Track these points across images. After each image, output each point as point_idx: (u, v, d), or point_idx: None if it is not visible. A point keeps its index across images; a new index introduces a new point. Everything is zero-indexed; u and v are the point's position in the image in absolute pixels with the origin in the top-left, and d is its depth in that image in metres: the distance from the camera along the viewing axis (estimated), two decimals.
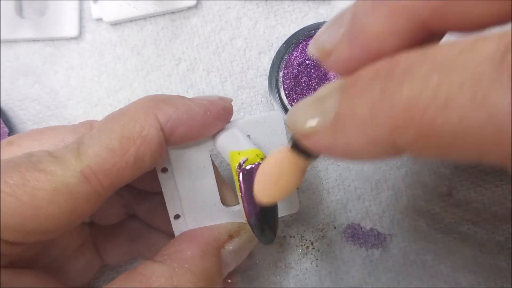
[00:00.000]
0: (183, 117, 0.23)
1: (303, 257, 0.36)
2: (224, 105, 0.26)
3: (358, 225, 0.36)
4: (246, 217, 0.23)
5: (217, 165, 0.30)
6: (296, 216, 0.36)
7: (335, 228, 0.36)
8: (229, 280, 0.32)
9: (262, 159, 0.23)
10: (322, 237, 0.36)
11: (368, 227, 0.36)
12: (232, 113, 0.26)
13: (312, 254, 0.36)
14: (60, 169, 0.21)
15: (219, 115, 0.25)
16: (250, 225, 0.23)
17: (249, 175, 0.22)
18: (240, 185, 0.23)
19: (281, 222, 0.36)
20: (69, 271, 0.28)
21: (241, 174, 0.22)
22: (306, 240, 0.36)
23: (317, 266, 0.36)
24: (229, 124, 0.27)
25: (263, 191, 0.20)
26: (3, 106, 0.38)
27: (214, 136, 0.26)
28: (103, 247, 0.31)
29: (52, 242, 0.27)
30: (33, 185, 0.20)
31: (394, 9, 0.15)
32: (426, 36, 0.16)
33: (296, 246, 0.36)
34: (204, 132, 0.25)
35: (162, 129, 0.23)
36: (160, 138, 0.23)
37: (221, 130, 0.26)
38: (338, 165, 0.36)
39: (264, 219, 0.23)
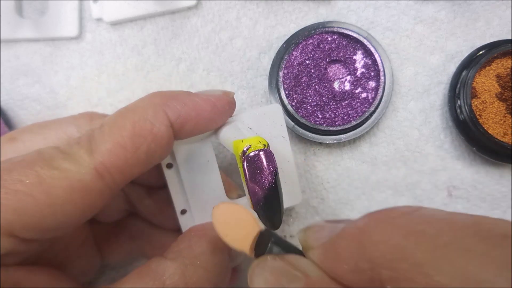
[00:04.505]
0: (191, 113, 0.24)
1: None
2: (229, 100, 0.26)
3: None
4: (252, 203, 0.23)
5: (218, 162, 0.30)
6: (296, 216, 0.36)
7: None
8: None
9: (265, 145, 0.23)
10: None
11: None
12: (235, 107, 0.27)
13: None
14: (74, 166, 0.21)
15: (224, 111, 0.26)
16: (256, 211, 0.23)
17: (253, 161, 0.23)
18: (244, 172, 0.23)
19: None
20: (70, 269, 0.28)
21: (245, 161, 0.23)
22: None
23: None
24: (230, 118, 0.27)
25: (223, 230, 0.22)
26: (3, 106, 0.38)
27: (216, 129, 0.27)
28: (105, 246, 0.31)
29: (55, 238, 0.27)
30: (49, 183, 0.20)
31: None
32: None
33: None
34: (210, 127, 0.26)
35: (171, 126, 0.23)
36: (169, 134, 0.23)
37: (223, 124, 0.27)
38: (339, 165, 0.36)
39: (269, 205, 0.23)
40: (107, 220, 0.31)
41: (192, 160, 0.27)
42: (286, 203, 0.29)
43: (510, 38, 0.36)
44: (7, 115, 0.38)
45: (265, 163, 0.23)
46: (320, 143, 0.36)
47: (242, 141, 0.24)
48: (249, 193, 0.23)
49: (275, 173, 0.23)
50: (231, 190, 0.29)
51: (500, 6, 0.36)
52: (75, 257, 0.28)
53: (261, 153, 0.23)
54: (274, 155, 0.25)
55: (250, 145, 0.23)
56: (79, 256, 0.29)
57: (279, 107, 0.28)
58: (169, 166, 0.27)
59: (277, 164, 0.28)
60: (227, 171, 0.37)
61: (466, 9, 0.37)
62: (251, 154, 0.23)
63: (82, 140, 0.22)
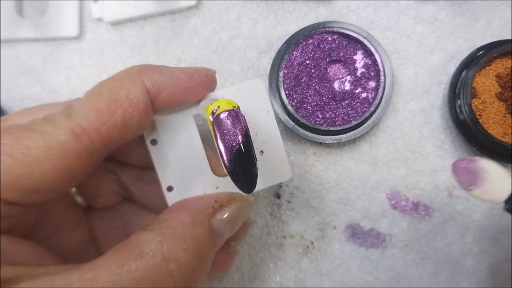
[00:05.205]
0: (167, 82, 0.25)
1: (303, 257, 0.36)
2: (207, 73, 0.27)
3: (358, 225, 0.36)
4: (223, 165, 0.23)
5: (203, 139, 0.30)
6: (296, 215, 0.36)
7: (335, 228, 0.36)
8: (228, 252, 0.32)
9: (234, 107, 0.23)
10: (322, 236, 0.36)
11: (367, 227, 0.36)
12: (215, 83, 0.28)
13: (312, 253, 0.36)
14: (52, 128, 0.22)
15: (202, 82, 0.26)
16: (228, 173, 0.23)
17: (221, 122, 0.23)
18: (214, 133, 0.23)
19: (281, 222, 0.36)
20: (64, 252, 0.28)
21: (214, 122, 0.23)
22: (306, 239, 0.36)
23: (317, 265, 0.36)
24: (211, 94, 0.28)
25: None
26: (3, 106, 0.38)
27: (198, 103, 0.27)
28: (99, 233, 0.31)
29: (47, 216, 0.27)
30: (26, 144, 0.21)
31: None
32: None
33: (296, 245, 0.36)
34: (187, 97, 0.26)
35: (148, 92, 0.24)
36: (146, 100, 0.24)
37: (204, 98, 0.27)
38: (339, 165, 0.36)
39: (242, 166, 0.23)
40: (101, 205, 0.31)
41: (175, 135, 0.28)
42: (275, 179, 0.29)
43: (510, 38, 0.36)
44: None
45: (234, 123, 0.23)
46: (320, 143, 0.36)
47: (212, 104, 0.24)
48: (220, 155, 0.23)
49: (245, 134, 0.23)
50: (219, 166, 0.29)
51: (500, 6, 0.36)
52: (67, 242, 0.28)
53: (230, 113, 0.23)
54: (261, 130, 0.25)
55: (218, 107, 0.23)
56: (71, 241, 0.28)
57: (260, 82, 0.28)
58: (153, 142, 0.28)
59: (264, 140, 0.28)
60: (213, 147, 0.36)
61: (466, 9, 0.37)
62: (220, 114, 0.23)
63: (62, 109, 0.23)
